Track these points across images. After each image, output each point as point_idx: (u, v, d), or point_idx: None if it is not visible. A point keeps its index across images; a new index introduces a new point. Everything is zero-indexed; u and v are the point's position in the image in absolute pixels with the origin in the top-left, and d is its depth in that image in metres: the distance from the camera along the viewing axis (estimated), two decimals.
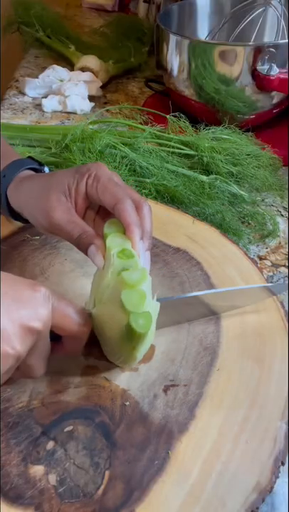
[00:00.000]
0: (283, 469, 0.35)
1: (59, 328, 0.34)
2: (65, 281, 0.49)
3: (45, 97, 0.93)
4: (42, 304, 0.32)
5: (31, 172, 0.49)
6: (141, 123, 0.71)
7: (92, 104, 0.94)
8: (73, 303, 0.36)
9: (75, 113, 0.91)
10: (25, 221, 0.48)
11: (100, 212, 0.44)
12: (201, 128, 0.70)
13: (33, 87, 0.95)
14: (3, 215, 0.52)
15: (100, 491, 0.33)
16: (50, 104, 0.91)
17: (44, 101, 0.91)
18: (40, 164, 0.50)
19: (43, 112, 0.91)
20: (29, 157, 0.50)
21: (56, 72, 0.96)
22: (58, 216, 0.41)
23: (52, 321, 0.33)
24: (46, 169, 0.50)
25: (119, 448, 0.35)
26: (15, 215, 0.48)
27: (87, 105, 0.92)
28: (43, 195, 0.42)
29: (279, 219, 0.66)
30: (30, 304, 0.32)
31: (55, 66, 0.97)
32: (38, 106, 0.92)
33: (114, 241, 0.39)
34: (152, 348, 0.43)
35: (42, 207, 0.42)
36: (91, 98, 0.95)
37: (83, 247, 0.40)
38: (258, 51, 0.69)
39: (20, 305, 0.31)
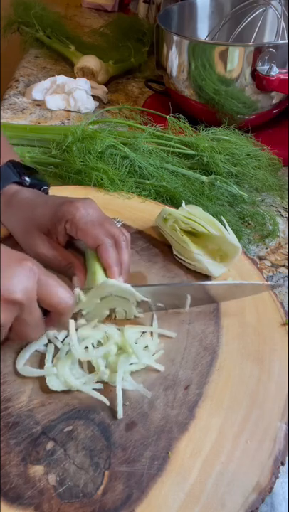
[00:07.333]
0: (283, 469, 0.35)
1: (43, 302, 0.36)
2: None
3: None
4: (26, 278, 0.34)
5: (15, 187, 0.51)
6: (141, 123, 0.71)
7: (97, 103, 0.94)
8: (61, 281, 0.37)
9: (78, 111, 0.91)
10: None
11: None
12: (201, 129, 0.70)
13: (40, 90, 0.95)
14: None
15: (99, 491, 0.33)
16: (55, 101, 0.91)
17: (48, 98, 0.90)
18: (20, 174, 0.51)
19: (43, 111, 0.91)
20: (10, 161, 0.52)
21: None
22: (45, 252, 0.47)
23: (37, 294, 0.35)
24: (27, 178, 0.52)
25: (119, 448, 0.35)
26: None
27: (91, 103, 0.92)
28: (28, 233, 0.48)
29: (279, 219, 0.66)
30: (14, 277, 0.33)
31: (62, 76, 0.95)
32: (38, 106, 0.93)
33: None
34: None
35: (28, 243, 0.48)
36: (96, 99, 0.95)
37: (68, 275, 0.46)
38: (258, 51, 0.69)
39: (4, 278, 0.33)
